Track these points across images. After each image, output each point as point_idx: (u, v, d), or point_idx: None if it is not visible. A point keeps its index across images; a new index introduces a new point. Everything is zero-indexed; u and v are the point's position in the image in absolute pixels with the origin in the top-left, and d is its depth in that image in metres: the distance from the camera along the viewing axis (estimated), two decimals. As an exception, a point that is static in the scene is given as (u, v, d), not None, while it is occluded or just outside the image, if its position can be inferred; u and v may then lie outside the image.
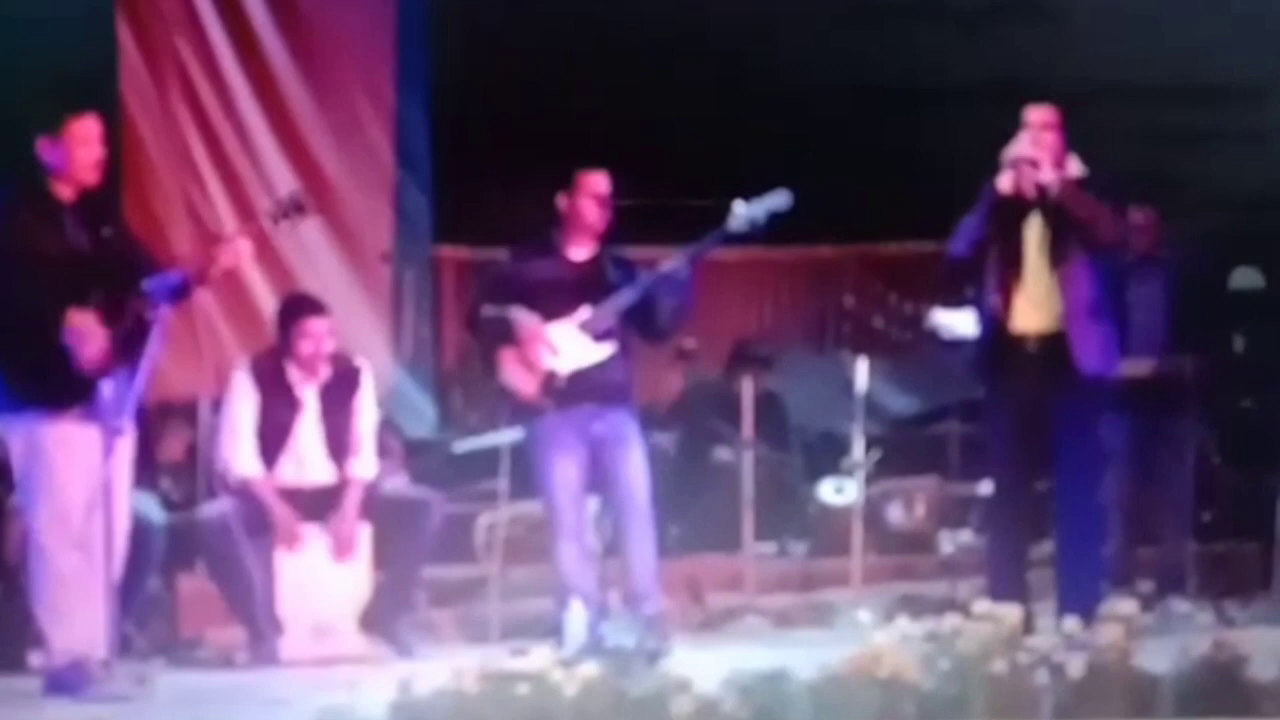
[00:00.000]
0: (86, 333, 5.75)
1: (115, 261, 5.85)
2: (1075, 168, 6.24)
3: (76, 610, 5.75)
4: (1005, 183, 6.09)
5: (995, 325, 6.18)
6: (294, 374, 6.68)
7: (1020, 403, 6.20)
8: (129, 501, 5.97)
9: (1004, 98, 6.36)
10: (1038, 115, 6.19)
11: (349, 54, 8.48)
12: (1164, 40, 8.04)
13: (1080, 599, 5.97)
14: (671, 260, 6.45)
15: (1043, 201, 6.12)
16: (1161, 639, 5.45)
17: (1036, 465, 6.26)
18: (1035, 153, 6.11)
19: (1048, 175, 6.11)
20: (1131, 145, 6.56)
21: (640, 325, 6.52)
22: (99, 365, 5.77)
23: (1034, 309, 6.17)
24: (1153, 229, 7.16)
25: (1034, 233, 6.18)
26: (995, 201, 6.11)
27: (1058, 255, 6.13)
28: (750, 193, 6.43)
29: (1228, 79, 8.12)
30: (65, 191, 5.89)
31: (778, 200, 6.43)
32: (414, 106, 8.55)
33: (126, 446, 5.88)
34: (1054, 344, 6.13)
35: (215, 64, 8.34)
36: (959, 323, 6.87)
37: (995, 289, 6.17)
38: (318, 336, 6.63)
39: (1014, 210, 6.16)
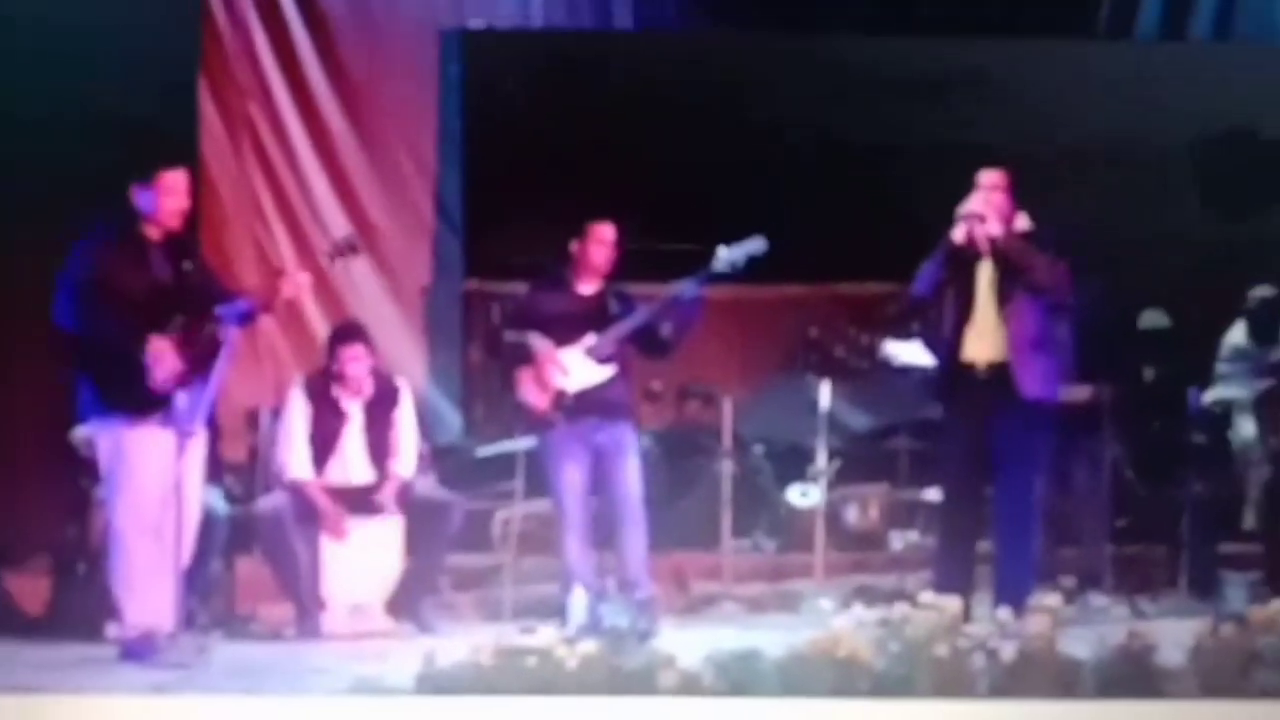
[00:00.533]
0: (161, 356, 5.67)
1: (193, 292, 5.77)
2: (1022, 222, 6.20)
3: (148, 589, 5.64)
4: (959, 234, 6.09)
5: (949, 354, 6.14)
6: (339, 390, 6.57)
7: (969, 421, 6.13)
8: (199, 495, 5.86)
9: (953, 159, 6.31)
10: (988, 178, 6.18)
11: (396, 120, 8.41)
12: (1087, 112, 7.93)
13: (1012, 592, 5.92)
14: (662, 297, 6.43)
15: (992, 251, 6.11)
16: (1082, 629, 5.33)
17: (982, 475, 6.16)
18: (984, 209, 6.10)
19: (994, 229, 6.09)
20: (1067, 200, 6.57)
21: (640, 347, 6.50)
22: (172, 383, 5.68)
23: (982, 341, 6.12)
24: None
25: (984, 277, 6.15)
26: (950, 250, 6.11)
27: (1003, 296, 6.10)
28: (731, 239, 6.40)
29: (1133, 141, 7.98)
30: (153, 232, 5.81)
31: (755, 245, 6.41)
32: (450, 164, 8.46)
33: (198, 448, 5.79)
34: (1000, 371, 6.08)
35: (281, 126, 8.25)
36: (907, 352, 6.83)
37: (950, 324, 6.14)
38: (357, 358, 6.54)
39: (967, 257, 6.14)
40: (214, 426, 6.08)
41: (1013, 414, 6.06)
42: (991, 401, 6.07)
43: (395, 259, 8.31)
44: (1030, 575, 6.15)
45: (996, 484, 6.16)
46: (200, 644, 5.69)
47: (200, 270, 5.90)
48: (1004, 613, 5.45)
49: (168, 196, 5.78)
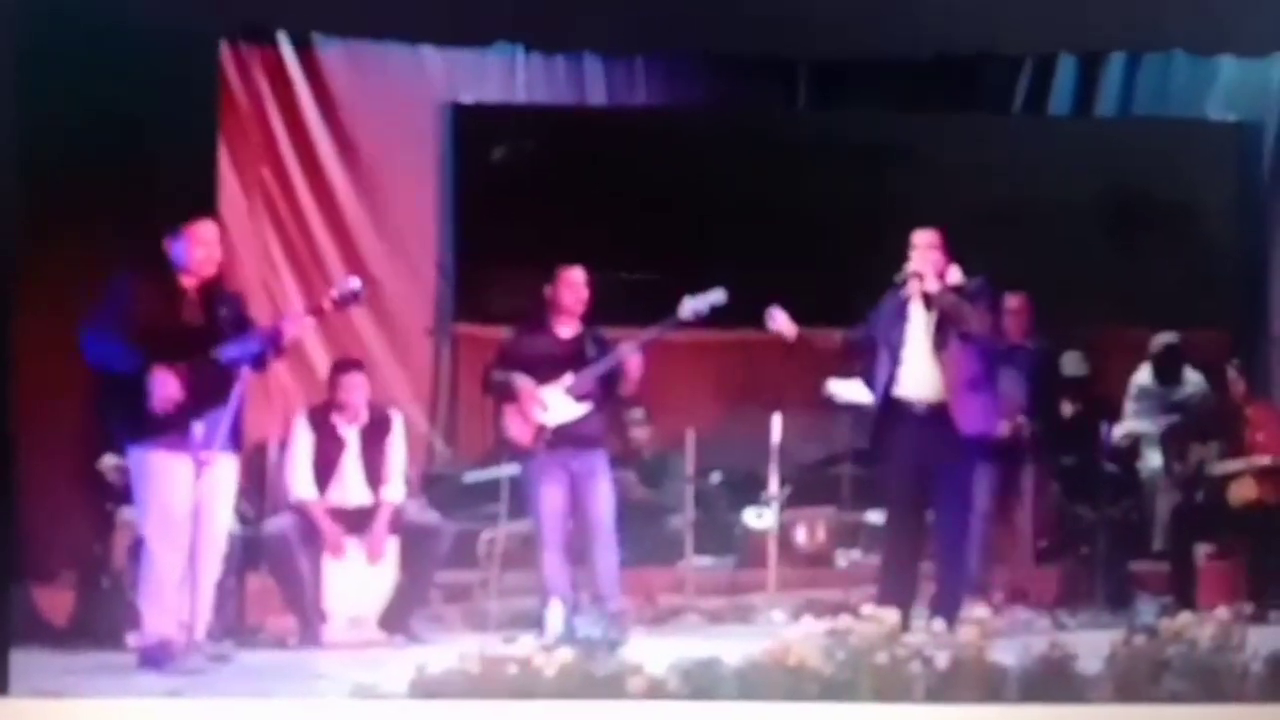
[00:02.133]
0: (163, 382, 5.55)
1: (222, 335, 5.65)
2: (954, 275, 6.17)
3: (166, 601, 5.54)
4: (905, 290, 6.11)
5: (887, 394, 6.12)
6: (338, 418, 6.51)
7: (909, 453, 6.09)
8: (225, 516, 5.75)
9: (888, 220, 6.30)
10: (923, 237, 6.17)
11: (396, 181, 8.28)
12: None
13: (947, 606, 5.85)
14: (634, 341, 6.39)
15: (927, 302, 6.10)
16: (1009, 639, 5.24)
17: (921, 502, 6.12)
18: (922, 267, 6.09)
19: (931, 285, 6.09)
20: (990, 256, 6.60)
21: (606, 390, 6.45)
22: (179, 408, 5.56)
23: (918, 381, 6.09)
24: (1025, 312, 7.04)
25: (918, 323, 6.12)
26: (894, 304, 6.13)
27: (939, 342, 6.07)
28: (696, 289, 6.38)
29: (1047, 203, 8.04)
30: (189, 281, 5.70)
31: (716, 296, 6.40)
32: (446, 220, 8.32)
33: (221, 473, 5.67)
34: (937, 410, 6.05)
35: (291, 187, 8.14)
36: (849, 390, 6.82)
37: (886, 365, 6.12)
38: (356, 386, 6.50)
39: (905, 308, 6.14)
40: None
41: (950, 448, 6.02)
42: (929, 436, 6.03)
43: (393, 305, 8.23)
44: (963, 591, 6.10)
45: (935, 509, 6.11)
46: (219, 651, 5.60)
47: (235, 315, 5.78)
48: (938, 624, 5.38)
49: (198, 246, 5.69)
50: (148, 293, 5.64)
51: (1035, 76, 8.32)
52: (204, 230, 5.72)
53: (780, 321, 6.23)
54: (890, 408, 6.11)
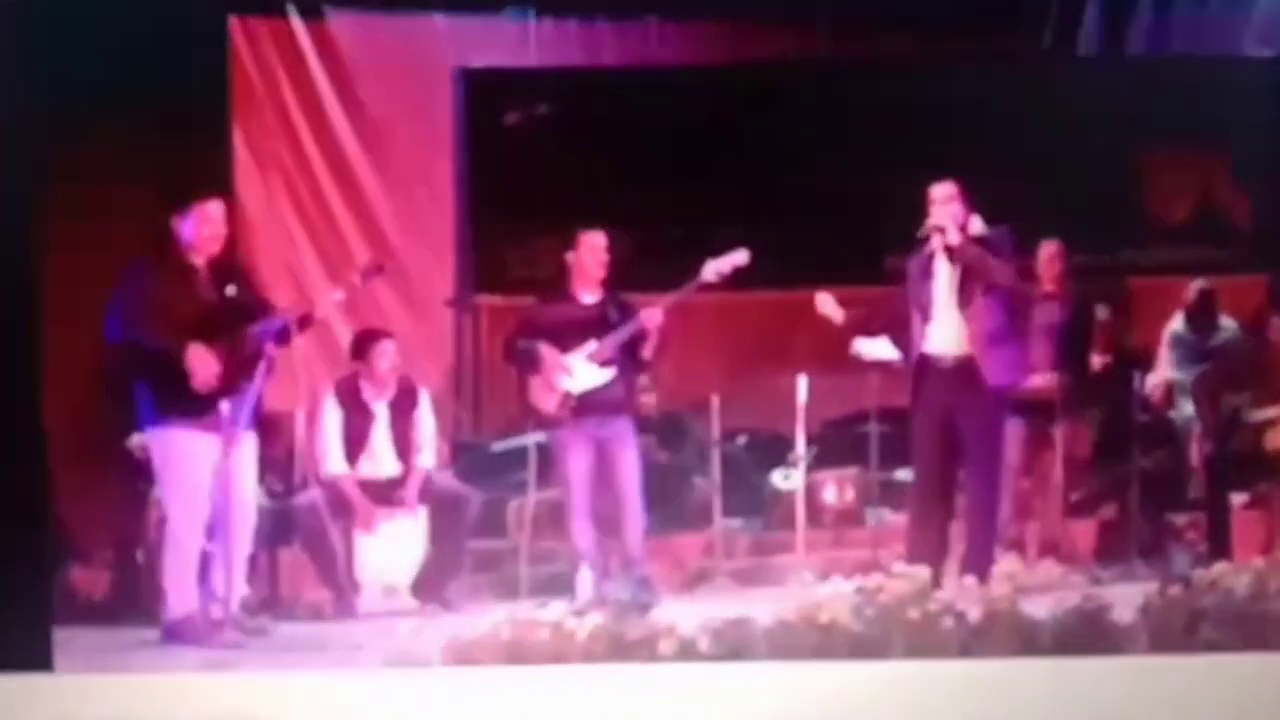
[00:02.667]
0: (202, 360, 5.71)
1: (237, 312, 5.82)
2: (976, 225, 6.19)
3: (190, 578, 5.70)
4: (928, 246, 6.13)
5: (916, 349, 6.16)
6: (368, 391, 6.62)
7: (937, 409, 6.13)
8: (252, 492, 5.90)
9: (912, 176, 6.31)
10: (941, 191, 6.18)
11: (412, 151, 8.33)
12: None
13: (978, 562, 5.90)
14: (656, 305, 6.46)
15: (950, 256, 6.13)
16: (1042, 593, 5.31)
17: (951, 458, 6.16)
18: (943, 221, 6.11)
19: (953, 238, 6.11)
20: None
21: (629, 355, 6.52)
22: (213, 384, 5.71)
23: (946, 336, 6.13)
24: (1060, 259, 7.05)
25: (943, 277, 6.16)
26: (920, 260, 6.16)
27: (964, 296, 6.10)
28: (719, 251, 6.44)
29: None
30: (197, 259, 5.85)
31: (739, 257, 6.45)
32: (463, 190, 8.40)
33: (246, 449, 5.82)
34: (965, 363, 6.08)
35: (307, 161, 8.22)
36: (876, 348, 6.79)
37: (916, 321, 6.16)
38: (386, 354, 6.59)
39: (925, 264, 6.17)
40: (257, 430, 6.12)
41: (978, 401, 6.06)
42: (957, 390, 6.07)
43: (413, 277, 8.31)
44: (994, 546, 6.16)
45: (965, 465, 6.15)
46: (256, 625, 5.75)
47: (244, 291, 5.94)
48: (970, 580, 5.47)
49: (205, 225, 5.85)
50: (163, 273, 5.80)
51: (1062, 15, 8.31)
52: (211, 209, 5.88)
53: (829, 306, 6.29)
54: (920, 364, 6.14)
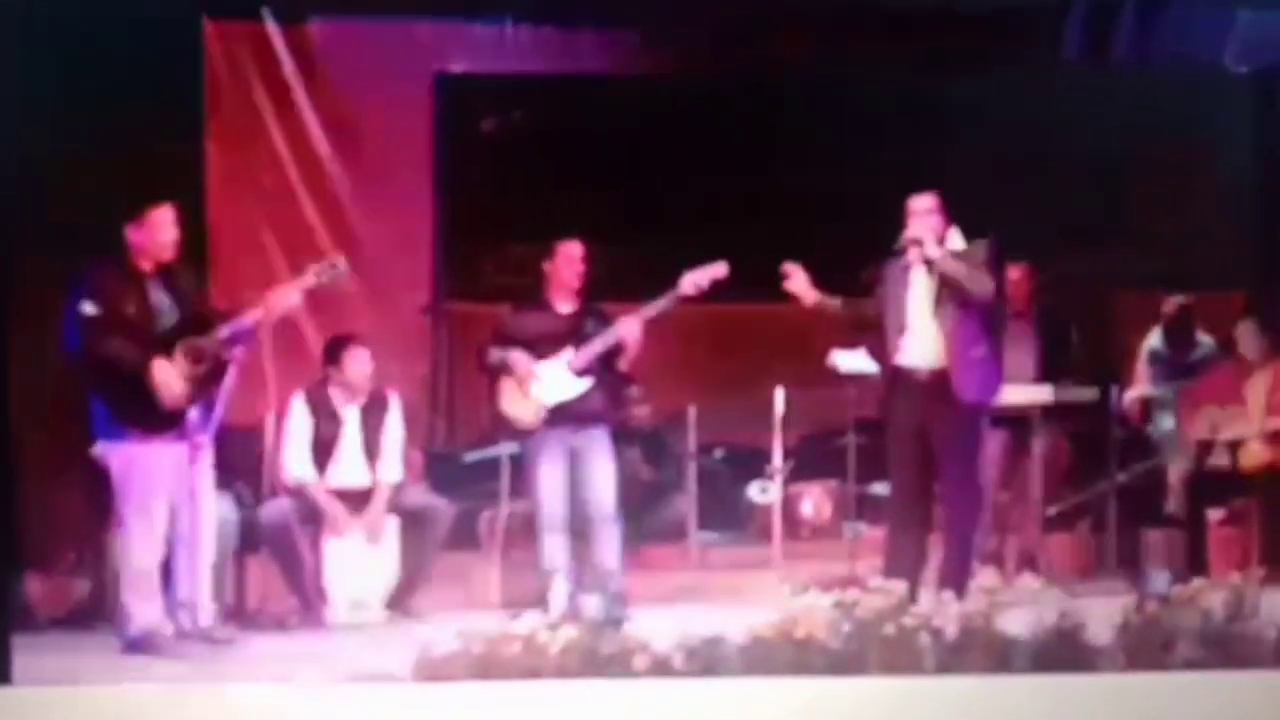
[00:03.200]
0: (167, 382, 5.68)
1: (193, 318, 5.79)
2: (955, 238, 6.19)
3: (150, 590, 5.66)
4: (905, 258, 6.11)
5: (889, 361, 6.15)
6: (338, 398, 6.60)
7: (911, 422, 6.13)
8: (214, 501, 5.88)
9: (894, 186, 6.31)
10: (919, 202, 6.16)
11: (389, 155, 8.32)
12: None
13: (955, 577, 5.88)
14: (633, 316, 6.44)
15: (928, 267, 6.11)
16: (1018, 609, 5.29)
17: (927, 472, 6.16)
18: (921, 234, 6.09)
19: (932, 251, 6.09)
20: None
21: (606, 366, 6.51)
22: (182, 403, 5.69)
23: (921, 349, 6.11)
24: (1027, 281, 7.06)
25: (919, 289, 6.14)
26: (895, 270, 6.12)
27: (939, 308, 6.09)
28: (697, 262, 6.43)
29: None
30: (146, 265, 5.79)
31: (717, 269, 6.45)
32: (439, 197, 8.38)
33: (208, 458, 5.78)
34: (939, 377, 6.07)
35: (279, 163, 8.20)
36: (853, 361, 6.83)
37: (890, 333, 6.14)
38: (359, 360, 6.59)
39: (901, 274, 6.15)
40: (224, 438, 6.08)
41: (953, 415, 6.06)
42: (932, 404, 6.07)
43: (387, 284, 8.28)
44: (971, 560, 6.16)
45: (940, 480, 6.15)
46: (222, 636, 5.70)
47: (199, 298, 5.93)
48: (947, 596, 5.45)
49: (156, 231, 5.81)
50: (117, 282, 5.75)
51: (1045, 24, 8.33)
52: (161, 215, 5.84)
53: (799, 283, 6.24)
54: (893, 376, 6.15)
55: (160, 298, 5.79)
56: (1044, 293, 7.17)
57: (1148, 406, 7.61)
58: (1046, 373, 6.93)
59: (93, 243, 6.33)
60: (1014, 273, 7.01)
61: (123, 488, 5.74)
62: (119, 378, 5.67)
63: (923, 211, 6.13)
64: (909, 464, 6.15)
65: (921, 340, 6.13)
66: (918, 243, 6.09)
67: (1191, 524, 6.88)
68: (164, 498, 5.67)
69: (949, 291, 6.08)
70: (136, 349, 5.67)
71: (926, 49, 8.07)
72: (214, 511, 5.88)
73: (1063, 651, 4.98)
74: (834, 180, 7.41)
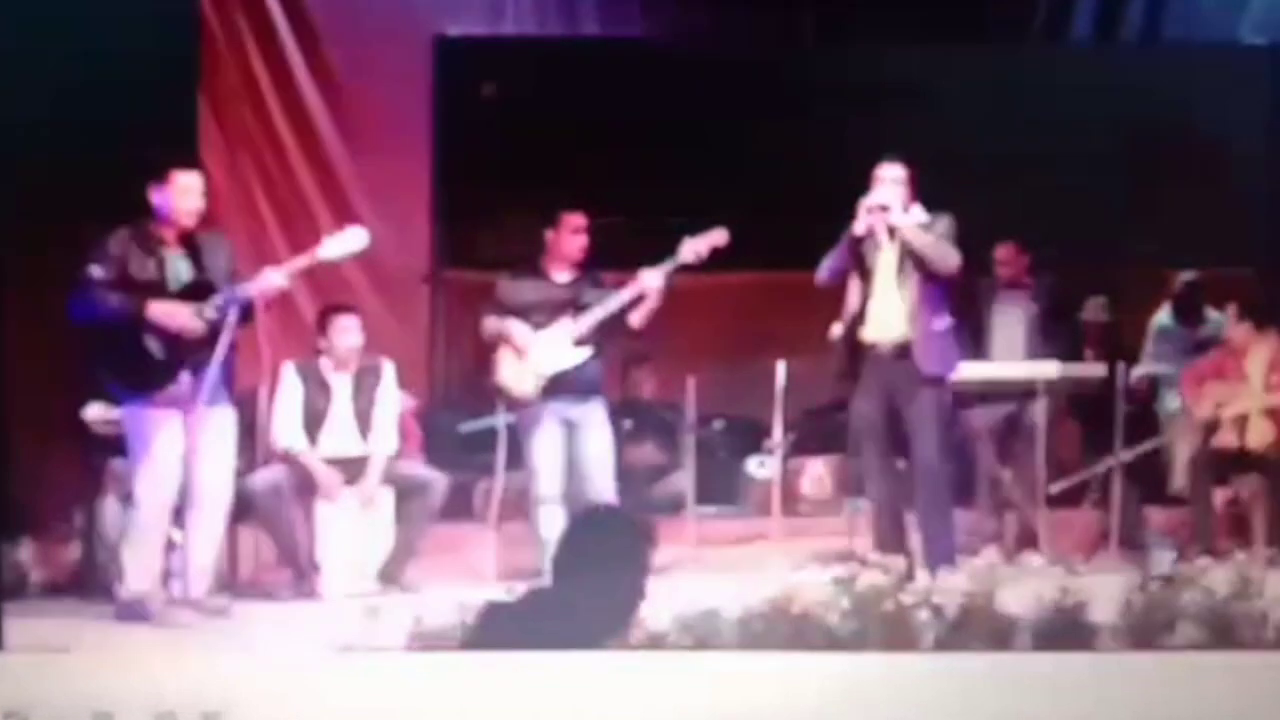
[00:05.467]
0: (171, 311, 5.66)
1: (210, 290, 5.77)
2: (918, 213, 6.16)
3: (151, 557, 5.69)
4: (859, 226, 6.08)
5: (851, 336, 6.14)
6: (328, 366, 6.61)
7: (877, 396, 6.13)
8: (221, 470, 5.86)
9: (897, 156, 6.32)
10: (888, 170, 6.14)
11: (384, 121, 8.28)
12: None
13: (936, 556, 5.88)
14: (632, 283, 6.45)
15: (892, 239, 6.08)
16: (1019, 587, 5.32)
17: (894, 447, 6.17)
18: (886, 199, 6.07)
19: (898, 218, 6.07)
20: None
21: (610, 333, 6.51)
22: (188, 344, 5.66)
23: (883, 323, 6.11)
24: (1016, 260, 7.05)
25: (884, 262, 6.12)
26: (852, 241, 6.10)
27: (902, 280, 6.08)
28: (698, 230, 6.43)
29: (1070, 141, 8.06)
30: (167, 232, 5.78)
31: (717, 236, 6.43)
32: (437, 163, 8.38)
33: (217, 426, 5.80)
34: (901, 350, 6.07)
35: (273, 127, 8.19)
36: None
37: (855, 306, 6.13)
38: (348, 329, 6.59)
39: (869, 247, 6.12)
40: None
41: (916, 389, 6.06)
42: (896, 378, 6.06)
43: (383, 252, 8.26)
44: (949, 538, 6.13)
45: (909, 456, 6.15)
46: (218, 605, 5.74)
47: (220, 268, 5.87)
48: (932, 575, 5.45)
49: (181, 196, 5.79)
50: (130, 246, 5.74)
51: (1053, 1, 8.34)
52: (188, 179, 5.82)
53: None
54: (854, 349, 6.13)
55: (179, 267, 5.78)
56: (1045, 268, 7.18)
57: (1155, 384, 7.63)
58: (1045, 348, 6.94)
59: (85, 207, 6.35)
60: (1002, 251, 7.01)
61: (132, 451, 5.78)
62: (120, 340, 5.68)
63: (890, 180, 6.10)
64: (876, 439, 6.14)
65: (885, 312, 6.11)
66: (883, 208, 6.06)
67: (1197, 503, 6.90)
68: (173, 464, 5.69)
69: (913, 263, 6.06)
70: (140, 306, 5.68)
71: (934, 26, 8.07)
72: (225, 482, 5.87)
73: (1064, 630, 5.02)
74: (840, 150, 7.39)
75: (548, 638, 3.58)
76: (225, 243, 6.07)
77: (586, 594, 3.49)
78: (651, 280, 6.38)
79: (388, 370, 6.70)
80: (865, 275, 6.12)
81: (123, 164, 6.18)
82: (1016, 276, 7.07)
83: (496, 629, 3.64)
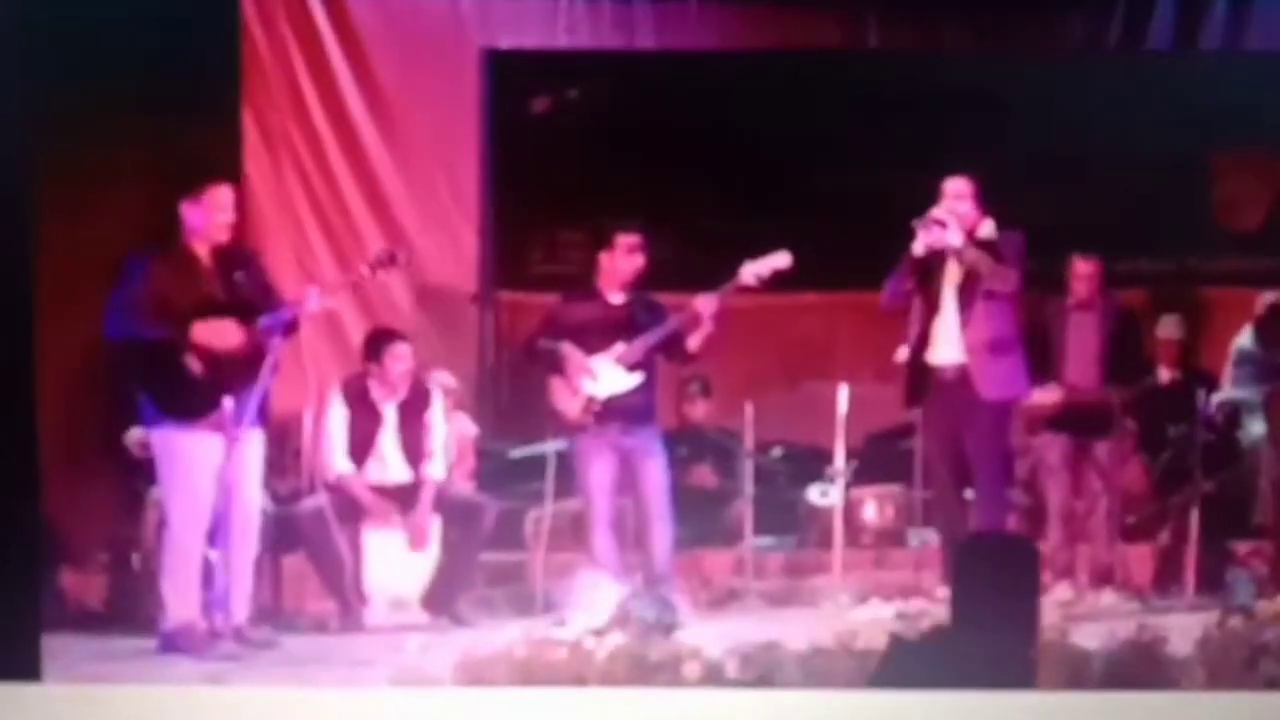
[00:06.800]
0: (220, 329, 5.74)
1: (246, 304, 5.84)
2: (987, 229, 6.14)
3: (191, 584, 5.74)
4: (918, 245, 6.08)
5: (917, 359, 6.13)
6: (377, 392, 6.67)
7: (942, 422, 6.13)
8: (256, 496, 5.93)
9: (968, 175, 6.33)
10: (951, 185, 6.16)
11: (432, 134, 8.35)
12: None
13: None
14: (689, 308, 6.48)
15: (958, 257, 6.09)
16: (1094, 622, 5.31)
17: (960, 475, 6.18)
18: (943, 215, 6.08)
19: (955, 237, 6.06)
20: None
21: (667, 356, 6.56)
22: (233, 365, 5.72)
23: (948, 345, 6.11)
24: (1094, 276, 7.06)
25: (949, 282, 6.13)
26: (911, 261, 6.10)
27: (964, 301, 6.09)
28: (757, 250, 6.46)
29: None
30: (201, 247, 5.86)
31: (779, 259, 6.46)
32: (487, 180, 8.43)
33: (251, 449, 5.85)
34: (964, 374, 6.07)
35: (319, 142, 8.25)
36: None
37: (917, 329, 6.14)
38: (401, 357, 6.63)
39: (932, 264, 6.12)
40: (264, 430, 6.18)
41: (978, 415, 6.06)
42: (959, 403, 6.07)
43: (431, 271, 8.35)
44: None
45: (972, 483, 6.16)
46: (260, 636, 5.80)
47: (254, 281, 5.97)
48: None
49: (214, 211, 5.89)
50: (166, 263, 5.84)
51: (1132, 9, 8.32)
52: (220, 195, 5.91)
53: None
54: (919, 372, 6.13)
55: (214, 282, 5.87)
56: (1119, 285, 7.15)
57: (1238, 410, 7.58)
58: (1118, 370, 6.92)
59: (125, 224, 6.45)
60: (1083, 266, 7.00)
61: (166, 476, 5.86)
62: (164, 362, 5.75)
63: (953, 196, 6.11)
64: (942, 467, 6.15)
65: (949, 334, 6.12)
66: (940, 224, 6.06)
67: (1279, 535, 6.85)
68: (208, 488, 5.76)
69: (973, 284, 6.06)
70: (181, 330, 5.76)
71: (1002, 34, 8.07)
72: (256, 505, 5.94)
73: (1139, 667, 5.00)
74: (904, 167, 7.40)
75: (954, 676, 3.45)
76: (256, 257, 6.14)
77: (989, 628, 3.37)
78: (705, 305, 6.41)
79: (436, 395, 6.75)
80: (929, 296, 6.11)
81: (164, 179, 6.28)
82: (1092, 293, 7.05)
83: (901, 666, 3.52)
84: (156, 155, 6.85)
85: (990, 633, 3.34)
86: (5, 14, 4.87)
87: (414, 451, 6.62)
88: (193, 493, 5.78)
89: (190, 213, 5.87)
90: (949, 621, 3.50)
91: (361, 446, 6.60)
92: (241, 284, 5.88)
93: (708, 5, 8.33)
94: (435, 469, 6.64)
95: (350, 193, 8.28)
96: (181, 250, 5.86)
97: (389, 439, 6.63)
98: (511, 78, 8.39)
